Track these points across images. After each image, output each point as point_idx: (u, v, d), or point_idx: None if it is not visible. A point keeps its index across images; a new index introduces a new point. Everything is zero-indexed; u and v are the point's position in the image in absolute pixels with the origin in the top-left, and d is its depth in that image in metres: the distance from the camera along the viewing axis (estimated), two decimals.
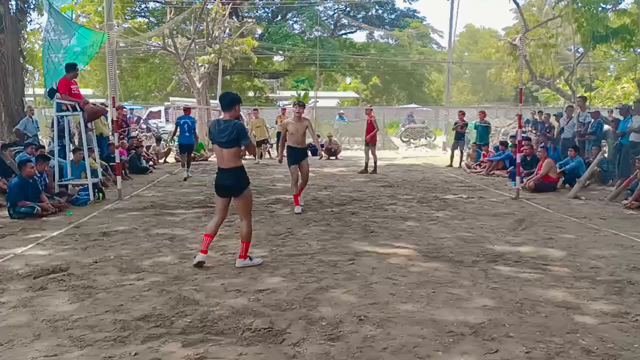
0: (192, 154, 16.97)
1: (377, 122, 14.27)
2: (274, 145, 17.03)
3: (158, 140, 17.79)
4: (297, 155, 8.07)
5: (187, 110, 13.59)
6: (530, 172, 10.93)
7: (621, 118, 11.81)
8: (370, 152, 13.47)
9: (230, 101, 5.09)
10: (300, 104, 8.24)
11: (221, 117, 5.17)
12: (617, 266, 5.17)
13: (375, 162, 13.45)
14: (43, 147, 10.77)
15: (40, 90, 16.29)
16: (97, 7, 21.47)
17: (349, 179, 12.46)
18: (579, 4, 15.80)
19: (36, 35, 16.71)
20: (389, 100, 44.62)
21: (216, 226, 5.17)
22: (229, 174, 5.01)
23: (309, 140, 9.44)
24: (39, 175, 8.27)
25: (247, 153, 5.52)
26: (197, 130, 14.76)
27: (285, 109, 19.26)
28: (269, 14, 40.12)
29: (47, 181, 8.59)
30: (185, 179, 11.88)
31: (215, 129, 5.01)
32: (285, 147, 8.21)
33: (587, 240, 6.28)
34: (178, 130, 12.63)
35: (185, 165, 12.46)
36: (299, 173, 8.10)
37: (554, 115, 15.45)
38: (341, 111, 26.80)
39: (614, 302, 4.16)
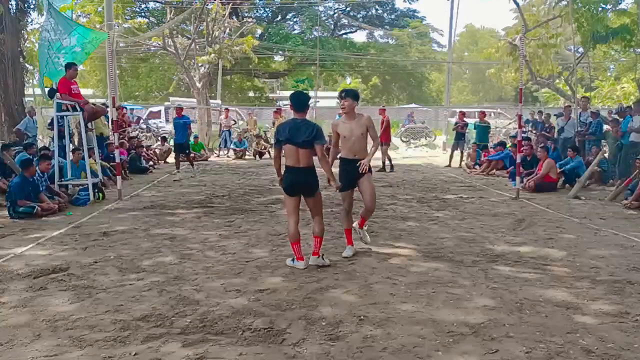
0: (193, 154, 17.05)
1: (378, 122, 14.38)
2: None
3: (163, 139, 17.81)
4: (353, 172, 5.42)
5: (179, 110, 13.56)
6: (530, 172, 10.93)
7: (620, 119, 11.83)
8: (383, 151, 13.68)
9: (305, 102, 5.13)
10: (350, 93, 5.53)
11: (293, 116, 5.11)
12: (617, 266, 5.17)
13: (384, 162, 13.75)
14: (47, 147, 10.77)
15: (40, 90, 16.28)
16: (97, 7, 21.49)
17: None
18: (579, 4, 15.80)
19: (36, 35, 16.68)
20: (389, 100, 44.61)
21: (296, 229, 5.07)
22: (305, 173, 4.98)
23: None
24: (41, 174, 8.27)
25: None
26: (196, 129, 14.90)
27: (280, 109, 19.08)
28: (269, 14, 40.13)
29: (48, 182, 8.58)
30: (189, 178, 12.30)
31: (291, 128, 4.91)
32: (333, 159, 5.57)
33: (587, 240, 6.28)
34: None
35: (190, 165, 13.33)
36: (364, 196, 5.52)
37: (554, 115, 15.45)
38: (341, 111, 26.78)
39: (614, 302, 4.16)
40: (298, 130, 4.87)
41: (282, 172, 5.17)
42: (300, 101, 5.07)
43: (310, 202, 5.16)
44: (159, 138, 18.23)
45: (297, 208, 5.11)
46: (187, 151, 13.39)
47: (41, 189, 8.06)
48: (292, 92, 5.23)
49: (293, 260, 5.12)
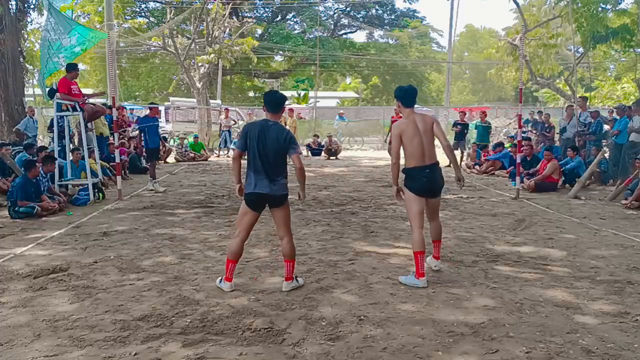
0: (193, 154, 17.06)
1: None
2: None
3: (164, 139, 17.81)
4: (425, 183, 4.88)
5: (154, 109, 11.01)
6: (530, 172, 10.92)
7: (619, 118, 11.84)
8: None
9: (280, 102, 4.39)
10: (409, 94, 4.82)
11: (260, 118, 4.39)
12: (617, 266, 5.17)
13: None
14: (46, 147, 10.76)
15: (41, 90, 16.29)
16: (97, 7, 21.52)
17: (349, 179, 12.45)
18: (579, 4, 15.82)
19: (36, 35, 16.69)
20: (389, 100, 44.63)
21: (241, 247, 4.39)
22: (278, 184, 4.25)
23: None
24: (44, 175, 8.27)
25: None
26: (196, 129, 14.60)
27: (285, 109, 19.03)
28: (269, 14, 40.16)
29: (50, 183, 8.57)
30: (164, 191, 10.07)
31: (262, 132, 4.19)
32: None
33: (587, 240, 6.28)
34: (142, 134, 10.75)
35: (153, 177, 10.35)
36: (428, 212, 4.97)
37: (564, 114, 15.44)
38: (341, 111, 26.85)
39: (614, 302, 4.16)
40: (269, 135, 4.20)
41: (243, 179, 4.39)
42: (274, 101, 4.36)
43: (279, 216, 4.36)
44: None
45: (253, 225, 4.43)
46: (158, 156, 11.22)
47: (43, 189, 8.05)
48: (267, 91, 4.59)
49: (221, 280, 4.46)
